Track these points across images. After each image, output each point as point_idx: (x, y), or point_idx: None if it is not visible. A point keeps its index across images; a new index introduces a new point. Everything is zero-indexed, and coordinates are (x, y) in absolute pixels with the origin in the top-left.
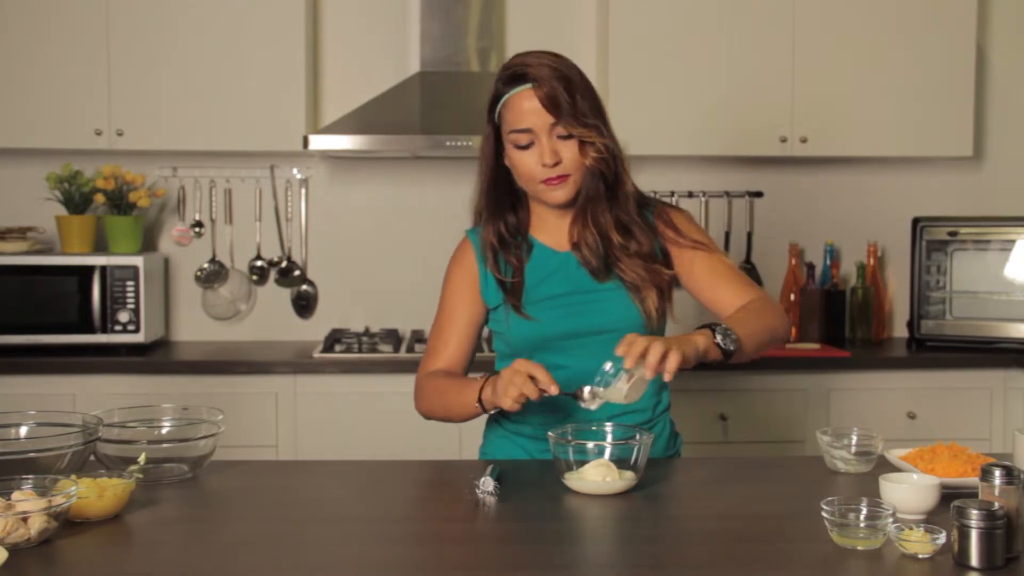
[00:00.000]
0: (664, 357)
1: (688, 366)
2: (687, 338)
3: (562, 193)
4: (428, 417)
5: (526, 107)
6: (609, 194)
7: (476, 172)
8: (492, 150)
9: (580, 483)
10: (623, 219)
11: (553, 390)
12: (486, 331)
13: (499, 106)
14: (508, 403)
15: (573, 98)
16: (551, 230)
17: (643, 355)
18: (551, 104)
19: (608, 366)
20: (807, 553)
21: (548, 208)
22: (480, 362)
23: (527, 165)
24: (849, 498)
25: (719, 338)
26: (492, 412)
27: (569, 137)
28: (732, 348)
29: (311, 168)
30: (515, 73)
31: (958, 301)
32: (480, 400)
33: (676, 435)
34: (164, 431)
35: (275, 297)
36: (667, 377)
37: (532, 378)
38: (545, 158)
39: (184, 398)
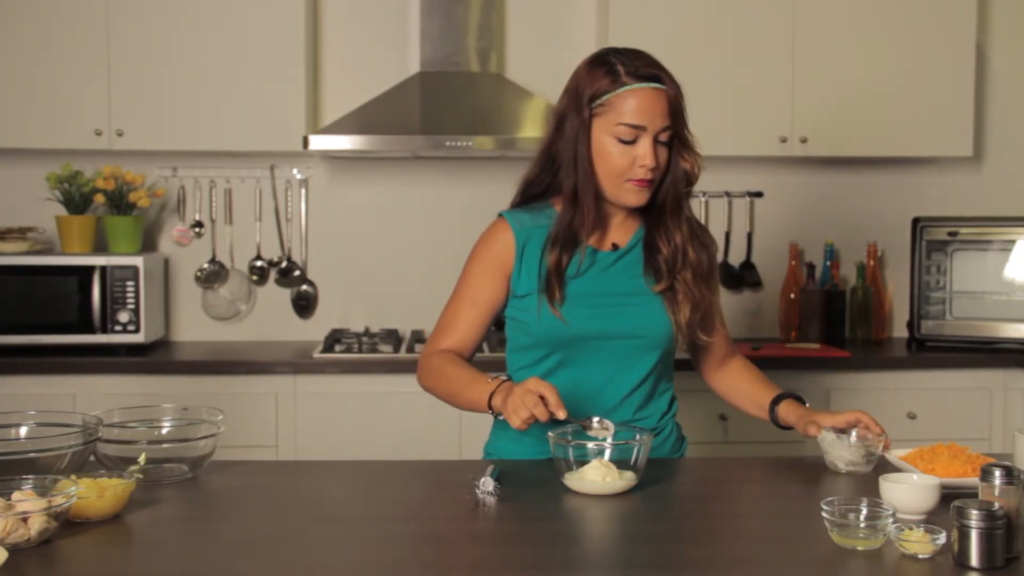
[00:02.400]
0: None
1: None
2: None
3: (644, 195)
4: (429, 392)
5: (648, 104)
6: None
7: (540, 154)
8: (588, 139)
9: (580, 483)
10: (697, 232)
11: (561, 414)
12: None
13: (611, 95)
14: (517, 423)
15: (684, 111)
16: (600, 229)
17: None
18: (674, 109)
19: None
20: (807, 553)
21: (607, 208)
22: (485, 361)
23: (623, 160)
24: (849, 498)
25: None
26: (500, 417)
27: (665, 144)
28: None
29: (311, 168)
30: (645, 70)
31: (958, 301)
32: (490, 405)
33: (683, 439)
34: (164, 431)
35: (275, 297)
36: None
37: (542, 398)
38: (647, 159)
39: (184, 398)
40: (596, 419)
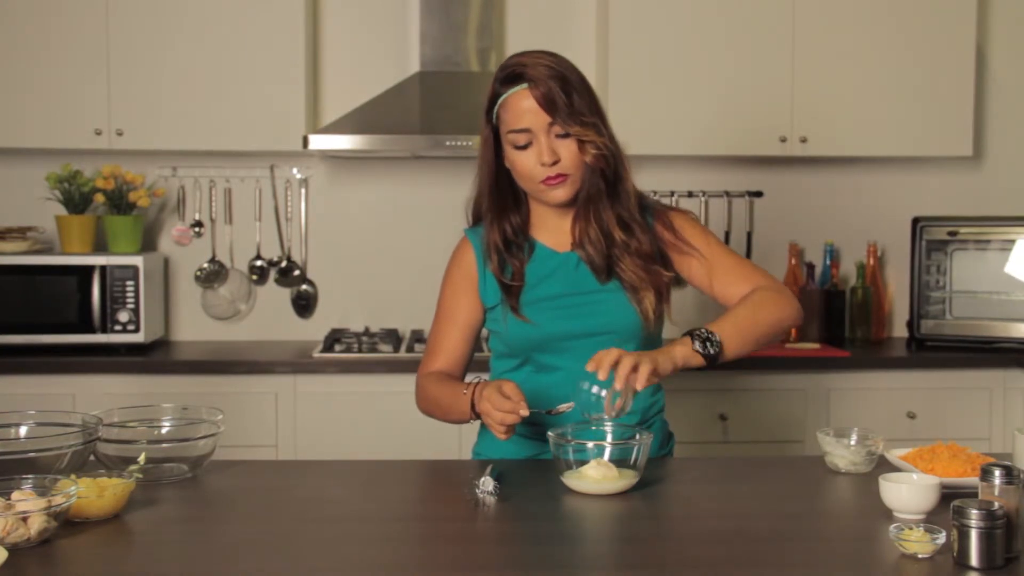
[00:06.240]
0: (635, 368)
1: (662, 377)
2: (665, 349)
3: (561, 192)
4: (428, 416)
5: (523, 107)
6: (610, 191)
7: (475, 172)
8: (492, 151)
9: (580, 483)
10: (624, 217)
11: (523, 412)
12: (484, 331)
13: (496, 107)
14: (502, 438)
15: (569, 97)
16: (551, 230)
17: (614, 366)
18: (547, 103)
19: (585, 385)
20: (806, 553)
21: (548, 208)
22: (479, 361)
23: (526, 165)
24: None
25: (698, 345)
26: None
27: (567, 136)
28: (714, 352)
29: (311, 168)
30: (511, 73)
31: (958, 301)
32: (477, 413)
33: (670, 435)
34: (164, 431)
35: (275, 297)
36: (639, 386)
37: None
38: (543, 157)
39: (184, 398)
40: (563, 407)
